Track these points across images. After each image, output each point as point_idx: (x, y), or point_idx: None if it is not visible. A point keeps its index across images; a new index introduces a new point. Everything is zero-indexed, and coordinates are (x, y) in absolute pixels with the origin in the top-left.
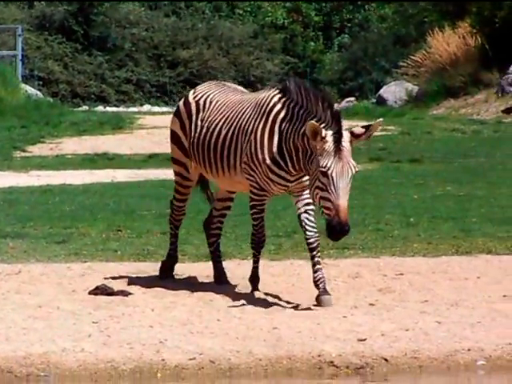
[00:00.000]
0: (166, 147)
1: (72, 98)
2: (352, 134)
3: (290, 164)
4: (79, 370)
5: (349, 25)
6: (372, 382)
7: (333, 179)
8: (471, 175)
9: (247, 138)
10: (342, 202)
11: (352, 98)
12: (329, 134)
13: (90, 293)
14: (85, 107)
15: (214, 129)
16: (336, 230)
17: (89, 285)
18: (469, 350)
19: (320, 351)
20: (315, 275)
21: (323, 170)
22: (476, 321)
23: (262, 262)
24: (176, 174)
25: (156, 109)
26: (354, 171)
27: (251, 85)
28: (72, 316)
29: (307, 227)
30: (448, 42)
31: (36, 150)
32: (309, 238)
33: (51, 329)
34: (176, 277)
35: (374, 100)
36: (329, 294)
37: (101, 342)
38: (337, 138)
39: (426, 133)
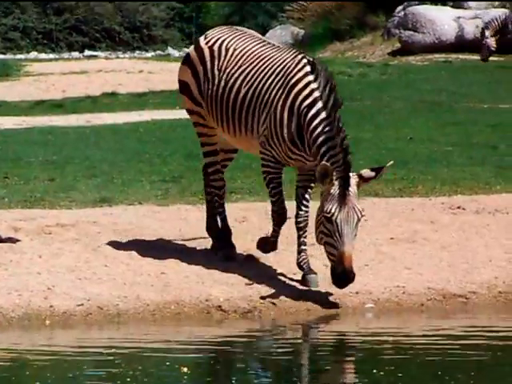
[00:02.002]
0: (52, 94)
1: None
2: (361, 177)
3: (307, 147)
4: None
5: None
6: (260, 325)
7: (337, 226)
8: (358, 118)
9: (267, 109)
10: (347, 249)
11: None
12: (335, 177)
13: None
14: None
15: (233, 85)
16: (341, 278)
17: None
18: (357, 292)
19: (208, 296)
20: (299, 256)
21: (327, 215)
22: (364, 264)
23: (148, 208)
24: (196, 125)
25: (43, 56)
26: (359, 216)
27: (137, 30)
28: None
29: (301, 205)
30: None
31: None
32: (298, 217)
33: None
34: (61, 223)
35: None
36: (314, 273)
37: None
38: (343, 182)
39: None
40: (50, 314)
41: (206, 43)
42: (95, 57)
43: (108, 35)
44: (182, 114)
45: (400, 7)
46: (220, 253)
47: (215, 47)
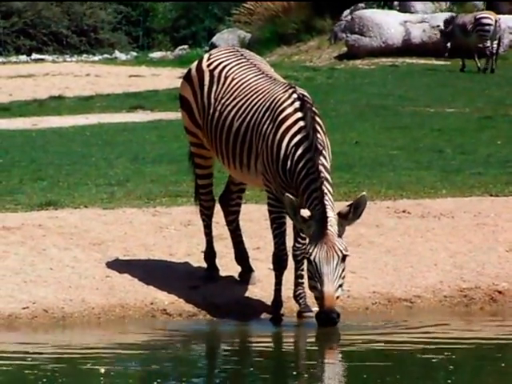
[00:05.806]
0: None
1: None
2: (339, 215)
3: (293, 184)
4: None
5: None
6: (207, 328)
7: (317, 266)
8: None
9: (261, 143)
10: (327, 289)
11: (185, 46)
12: (312, 219)
13: None
14: None
15: (227, 117)
16: (322, 319)
17: None
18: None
19: (153, 299)
20: (296, 289)
21: (307, 256)
22: None
23: (93, 211)
24: (191, 144)
25: None
26: (340, 255)
27: (84, 34)
28: None
29: (298, 237)
30: None
31: None
32: (295, 249)
33: None
34: (7, 225)
35: (207, 48)
36: (311, 311)
37: None
38: (320, 223)
39: None
40: None
41: (208, 65)
42: (42, 60)
43: (55, 39)
44: (129, 117)
45: (347, 11)
46: (203, 274)
47: (215, 72)
